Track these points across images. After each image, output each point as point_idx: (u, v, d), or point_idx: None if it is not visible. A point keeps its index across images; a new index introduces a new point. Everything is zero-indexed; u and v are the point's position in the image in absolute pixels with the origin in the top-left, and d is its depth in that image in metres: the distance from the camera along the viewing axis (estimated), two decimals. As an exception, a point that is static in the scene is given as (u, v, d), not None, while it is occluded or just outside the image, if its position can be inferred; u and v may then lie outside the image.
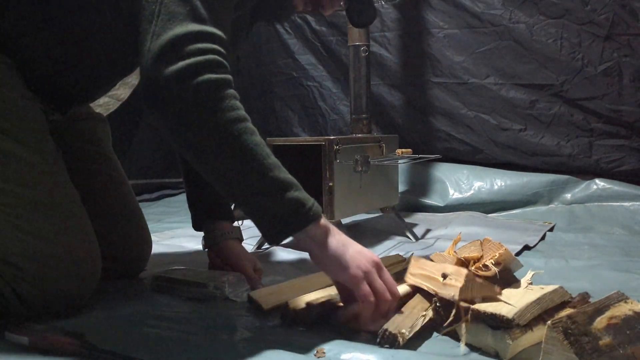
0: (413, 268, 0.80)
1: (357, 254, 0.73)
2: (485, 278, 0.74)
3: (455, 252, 0.85)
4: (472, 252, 0.80)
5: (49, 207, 0.81)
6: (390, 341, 0.67)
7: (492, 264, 0.76)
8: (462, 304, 0.69)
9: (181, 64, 0.67)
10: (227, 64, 0.71)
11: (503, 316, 0.65)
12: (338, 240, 0.74)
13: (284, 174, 0.73)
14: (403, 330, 0.68)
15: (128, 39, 0.77)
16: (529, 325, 0.66)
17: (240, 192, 0.73)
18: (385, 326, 0.69)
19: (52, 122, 0.89)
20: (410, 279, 0.79)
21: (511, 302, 0.69)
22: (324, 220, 0.74)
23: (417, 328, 0.71)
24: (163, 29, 0.68)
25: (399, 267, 0.91)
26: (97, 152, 1.03)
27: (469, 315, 0.68)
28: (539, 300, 0.68)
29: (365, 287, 0.71)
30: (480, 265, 0.76)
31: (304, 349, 0.68)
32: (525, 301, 0.67)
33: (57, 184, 0.84)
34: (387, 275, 0.74)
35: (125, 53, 0.84)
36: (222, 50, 0.71)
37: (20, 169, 0.80)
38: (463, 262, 0.79)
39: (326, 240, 0.73)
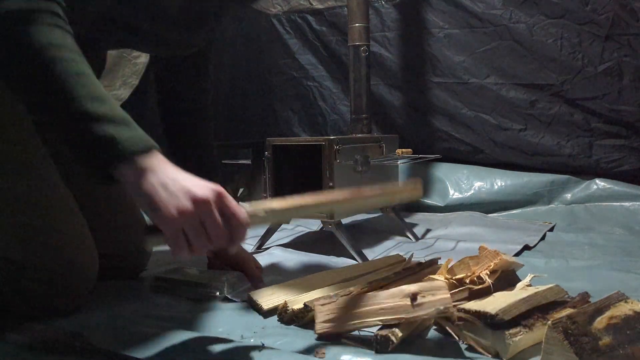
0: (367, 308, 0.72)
1: (177, 191, 0.63)
2: (480, 290, 0.74)
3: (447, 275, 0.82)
4: (462, 271, 0.78)
5: (43, 205, 0.81)
6: (382, 343, 0.67)
7: (487, 274, 0.75)
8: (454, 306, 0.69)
9: None
10: None
11: (487, 313, 0.65)
12: (156, 178, 0.64)
13: (103, 107, 0.65)
14: (395, 330, 0.68)
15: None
16: (529, 325, 0.66)
17: (50, 122, 0.67)
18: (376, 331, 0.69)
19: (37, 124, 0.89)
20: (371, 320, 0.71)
21: (501, 300, 0.69)
22: (145, 159, 0.64)
23: (411, 328, 0.71)
24: None
25: (398, 267, 0.91)
26: None
27: (455, 316, 0.68)
28: (528, 297, 0.68)
29: (175, 234, 0.62)
30: (475, 278, 0.76)
31: (303, 350, 0.69)
32: (514, 299, 0.67)
33: (48, 182, 0.84)
34: (228, 207, 0.64)
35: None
36: None
37: (8, 167, 0.80)
38: (456, 285, 0.78)
39: (139, 179, 0.64)
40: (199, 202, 0.62)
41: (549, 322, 0.59)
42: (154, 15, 0.77)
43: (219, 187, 0.64)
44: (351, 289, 0.80)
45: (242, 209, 0.66)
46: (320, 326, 0.71)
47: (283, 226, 1.31)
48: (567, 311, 0.66)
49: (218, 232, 0.63)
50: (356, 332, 0.73)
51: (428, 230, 1.54)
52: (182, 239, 0.62)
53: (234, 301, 0.91)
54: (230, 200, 0.64)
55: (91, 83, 0.66)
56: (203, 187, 0.63)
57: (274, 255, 1.24)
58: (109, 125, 0.64)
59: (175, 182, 0.64)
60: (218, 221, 0.63)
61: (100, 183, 0.67)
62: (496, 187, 1.79)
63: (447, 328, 0.70)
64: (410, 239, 1.43)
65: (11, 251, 0.79)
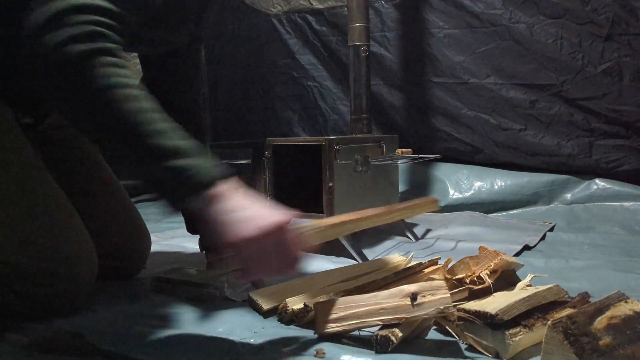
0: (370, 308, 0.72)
1: (243, 221, 0.67)
2: (480, 290, 0.74)
3: (446, 274, 0.81)
4: (461, 271, 0.78)
5: (40, 207, 0.83)
6: (382, 344, 0.67)
7: (487, 274, 0.75)
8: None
9: (56, 34, 0.65)
10: (112, 34, 0.69)
11: (487, 313, 0.65)
12: (225, 206, 0.68)
13: (168, 141, 0.68)
14: (395, 330, 0.68)
15: None
16: (529, 325, 0.66)
17: (127, 162, 0.71)
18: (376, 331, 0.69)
19: (27, 128, 0.90)
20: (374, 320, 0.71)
21: (501, 300, 0.69)
22: (216, 188, 0.68)
23: (411, 328, 0.71)
24: (45, 2, 0.66)
25: (398, 267, 0.91)
26: (80, 158, 1.03)
27: (456, 315, 0.68)
28: (528, 298, 0.68)
29: (242, 257, 0.68)
30: (475, 278, 0.76)
31: (303, 349, 0.69)
32: (514, 299, 0.67)
33: (44, 185, 0.86)
34: (288, 245, 0.69)
35: None
36: (105, 21, 0.69)
37: (3, 171, 0.82)
38: (456, 285, 0.78)
39: (211, 209, 0.68)
40: (264, 232, 0.66)
41: (549, 322, 0.59)
42: (139, 10, 0.78)
43: (283, 218, 0.68)
44: (351, 289, 0.80)
45: (298, 242, 0.71)
46: (320, 326, 0.71)
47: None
48: (567, 311, 0.66)
49: (274, 263, 0.68)
50: (356, 332, 0.73)
51: (428, 230, 1.54)
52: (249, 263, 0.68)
53: (234, 301, 0.91)
54: (289, 233, 0.69)
55: (158, 117, 0.69)
56: (268, 217, 0.67)
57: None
58: (175, 159, 0.67)
59: (244, 210, 0.68)
60: (276, 253, 0.68)
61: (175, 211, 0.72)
62: (496, 187, 1.79)
63: (447, 328, 0.70)
64: (410, 239, 1.43)
65: (8, 254, 0.80)
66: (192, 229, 1.07)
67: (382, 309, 0.69)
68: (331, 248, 1.26)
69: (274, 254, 0.68)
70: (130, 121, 0.67)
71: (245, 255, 0.67)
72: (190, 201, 0.68)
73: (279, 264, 0.68)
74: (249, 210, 0.68)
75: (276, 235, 0.67)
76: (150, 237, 1.07)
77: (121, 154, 0.71)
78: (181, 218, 1.74)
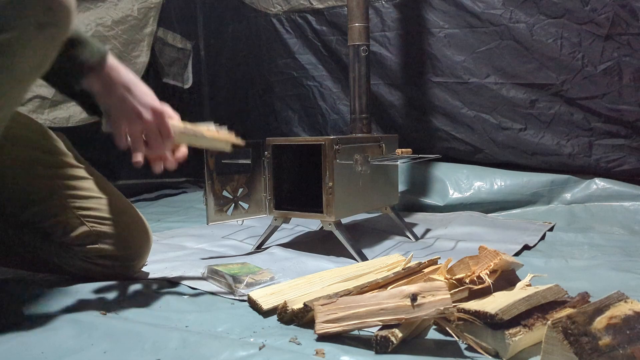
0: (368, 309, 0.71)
1: (141, 101, 0.83)
2: (480, 290, 0.74)
3: (446, 274, 0.81)
4: (462, 271, 0.78)
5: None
6: (382, 344, 0.67)
7: (487, 274, 0.75)
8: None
9: None
10: None
11: (487, 312, 0.65)
12: (121, 82, 0.82)
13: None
14: (395, 330, 0.68)
15: None
16: (528, 325, 0.66)
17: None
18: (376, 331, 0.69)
19: None
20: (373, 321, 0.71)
21: (501, 300, 0.69)
22: (105, 67, 0.81)
23: (411, 328, 0.71)
24: None
25: (398, 267, 0.91)
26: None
27: (455, 316, 0.68)
28: (528, 297, 0.68)
29: (131, 127, 0.84)
30: (474, 278, 0.76)
31: (303, 349, 0.69)
32: (514, 299, 0.67)
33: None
34: (165, 125, 0.85)
35: None
36: None
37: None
38: (456, 284, 0.78)
39: (109, 87, 0.82)
40: (157, 114, 0.84)
41: (549, 322, 0.59)
42: None
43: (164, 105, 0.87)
44: (351, 288, 0.80)
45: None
46: (320, 326, 0.71)
47: (283, 226, 1.31)
48: (567, 311, 0.66)
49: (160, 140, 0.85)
50: (356, 332, 0.73)
51: (428, 230, 1.54)
52: (141, 140, 0.84)
53: (234, 301, 0.91)
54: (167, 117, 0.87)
55: None
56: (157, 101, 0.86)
57: (273, 254, 1.24)
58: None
59: (137, 90, 0.84)
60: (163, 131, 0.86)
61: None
62: (496, 186, 1.79)
63: (447, 328, 0.70)
64: (409, 238, 1.43)
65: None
66: (91, 111, 0.98)
67: (382, 309, 0.69)
68: (331, 248, 1.27)
69: (154, 128, 0.84)
70: None
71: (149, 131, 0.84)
72: (90, 77, 0.80)
73: (154, 138, 0.85)
74: (140, 86, 0.85)
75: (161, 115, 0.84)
76: (151, 236, 1.07)
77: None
78: (181, 217, 1.73)
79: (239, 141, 1.05)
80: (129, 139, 0.85)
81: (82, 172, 1.00)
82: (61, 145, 1.00)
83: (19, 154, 0.94)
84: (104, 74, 0.81)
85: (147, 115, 0.83)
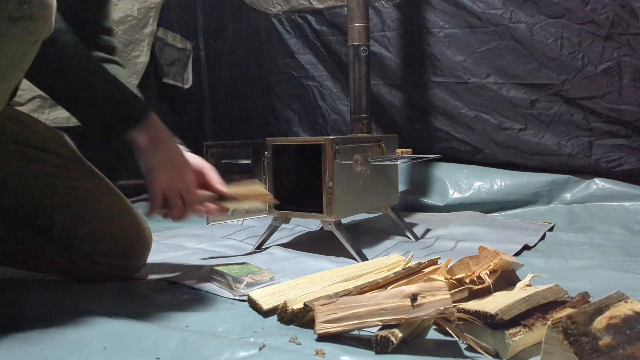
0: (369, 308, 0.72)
1: (166, 172, 0.89)
2: (480, 290, 0.74)
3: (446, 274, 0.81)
4: (462, 271, 0.79)
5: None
6: (382, 344, 0.67)
7: (487, 274, 0.75)
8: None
9: None
10: None
11: (487, 312, 0.65)
12: (158, 150, 0.88)
13: (115, 84, 0.87)
14: (395, 330, 0.68)
15: None
16: (528, 325, 0.66)
17: (68, 95, 0.85)
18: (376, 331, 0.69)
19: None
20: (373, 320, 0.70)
21: (501, 300, 0.69)
22: (146, 126, 0.87)
23: (411, 329, 0.71)
24: None
25: (398, 267, 0.91)
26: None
27: (455, 315, 0.68)
28: (528, 297, 0.68)
29: (156, 199, 0.91)
30: (474, 278, 0.76)
31: (303, 349, 0.69)
32: (514, 299, 0.67)
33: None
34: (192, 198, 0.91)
35: None
36: None
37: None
38: (455, 284, 0.78)
39: (148, 145, 0.88)
40: (185, 180, 0.89)
41: (549, 322, 0.59)
42: None
43: (201, 169, 0.96)
44: (351, 288, 0.80)
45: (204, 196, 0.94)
46: (320, 326, 0.71)
47: (283, 226, 1.31)
48: (567, 311, 0.66)
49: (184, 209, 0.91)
50: (356, 332, 0.73)
51: (428, 230, 1.54)
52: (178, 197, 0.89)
53: (234, 300, 0.91)
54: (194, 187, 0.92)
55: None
56: (189, 168, 0.92)
57: (273, 254, 1.24)
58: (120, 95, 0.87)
59: (174, 154, 0.90)
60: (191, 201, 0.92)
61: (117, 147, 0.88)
62: (496, 186, 1.79)
63: (447, 328, 0.70)
64: (410, 238, 1.43)
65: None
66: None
67: (382, 309, 0.69)
68: (331, 248, 1.27)
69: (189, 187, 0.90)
70: (82, 66, 0.83)
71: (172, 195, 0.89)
72: (131, 131, 0.85)
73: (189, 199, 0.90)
74: (174, 145, 0.91)
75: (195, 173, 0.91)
76: (151, 236, 1.07)
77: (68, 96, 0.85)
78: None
79: (267, 196, 1.10)
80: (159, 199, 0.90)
81: (84, 171, 1.00)
82: (65, 144, 1.00)
83: (21, 152, 0.93)
84: (149, 127, 0.86)
85: (187, 174, 0.88)
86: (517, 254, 1.23)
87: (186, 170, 0.92)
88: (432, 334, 0.74)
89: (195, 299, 0.92)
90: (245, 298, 0.91)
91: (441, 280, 0.78)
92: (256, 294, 0.88)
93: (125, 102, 0.87)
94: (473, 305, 0.69)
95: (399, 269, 0.88)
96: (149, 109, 0.88)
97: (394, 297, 0.69)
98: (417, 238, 1.44)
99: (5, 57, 0.64)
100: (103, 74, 0.87)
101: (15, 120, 0.93)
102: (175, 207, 0.91)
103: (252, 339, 0.73)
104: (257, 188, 1.07)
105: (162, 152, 0.89)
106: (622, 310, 0.60)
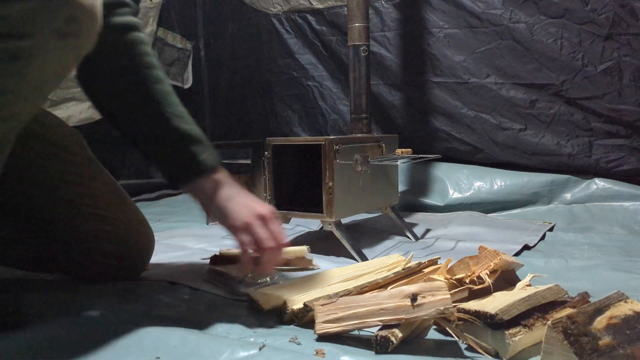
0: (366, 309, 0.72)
1: (241, 206, 0.82)
2: (480, 290, 0.74)
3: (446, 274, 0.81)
4: (462, 271, 0.79)
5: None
6: (382, 344, 0.67)
7: (487, 274, 0.75)
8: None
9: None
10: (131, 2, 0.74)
11: (487, 312, 0.65)
12: (226, 192, 0.83)
13: (185, 125, 0.82)
14: (395, 330, 0.68)
15: None
16: (528, 325, 0.66)
17: (143, 138, 0.84)
18: (376, 332, 0.69)
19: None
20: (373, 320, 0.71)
21: (500, 300, 0.69)
22: (217, 174, 0.84)
23: (411, 329, 0.71)
24: None
25: (398, 267, 0.91)
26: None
27: (455, 315, 0.68)
28: (528, 297, 0.68)
29: (242, 237, 0.81)
30: (474, 278, 0.76)
31: (303, 349, 0.69)
32: (514, 299, 0.67)
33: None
34: (275, 226, 0.83)
35: None
36: None
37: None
38: (455, 284, 0.78)
39: (214, 192, 0.83)
40: (258, 216, 0.81)
41: (549, 322, 0.59)
42: None
43: (269, 208, 0.84)
44: (351, 288, 0.80)
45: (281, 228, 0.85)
46: (320, 326, 0.71)
47: (283, 226, 1.31)
48: (567, 311, 0.66)
49: (270, 236, 0.81)
50: (356, 332, 0.73)
51: (428, 230, 1.54)
52: (244, 240, 0.81)
53: (234, 300, 0.91)
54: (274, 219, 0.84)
55: (177, 101, 0.82)
56: (259, 205, 0.84)
57: (273, 255, 1.24)
58: (191, 144, 0.83)
59: (239, 196, 0.84)
60: (273, 228, 0.82)
61: (173, 188, 0.83)
62: (496, 187, 1.79)
63: (447, 328, 0.70)
64: (410, 238, 1.43)
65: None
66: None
67: (382, 309, 0.69)
68: (331, 248, 1.27)
69: (265, 235, 0.81)
70: (160, 102, 0.79)
71: (238, 238, 0.81)
72: (192, 183, 0.83)
73: (268, 243, 0.81)
74: (243, 198, 0.84)
75: (266, 221, 0.82)
76: (153, 237, 1.07)
77: (135, 133, 0.83)
78: (181, 217, 1.74)
79: (308, 259, 1.09)
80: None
81: (90, 171, 1.00)
82: (73, 142, 0.99)
83: (30, 148, 0.92)
84: (212, 179, 0.84)
85: (251, 219, 0.82)
86: (517, 254, 1.23)
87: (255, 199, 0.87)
88: (432, 334, 0.74)
89: (195, 299, 0.92)
90: (245, 298, 0.91)
91: (441, 280, 0.78)
92: (256, 293, 0.88)
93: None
94: (473, 305, 0.69)
95: (399, 269, 0.88)
96: (217, 159, 0.86)
97: (394, 297, 0.69)
98: (417, 238, 1.44)
99: (48, 69, 0.65)
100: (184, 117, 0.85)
101: (35, 119, 0.92)
102: (263, 236, 0.82)
103: (252, 339, 0.73)
104: (302, 251, 1.08)
105: (228, 188, 0.85)
106: (622, 310, 0.60)
